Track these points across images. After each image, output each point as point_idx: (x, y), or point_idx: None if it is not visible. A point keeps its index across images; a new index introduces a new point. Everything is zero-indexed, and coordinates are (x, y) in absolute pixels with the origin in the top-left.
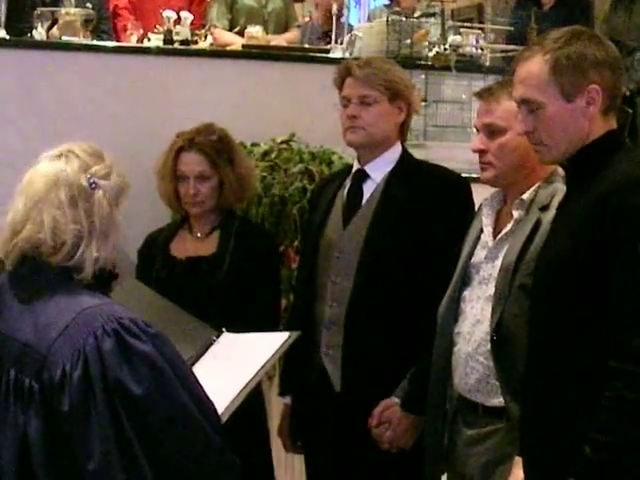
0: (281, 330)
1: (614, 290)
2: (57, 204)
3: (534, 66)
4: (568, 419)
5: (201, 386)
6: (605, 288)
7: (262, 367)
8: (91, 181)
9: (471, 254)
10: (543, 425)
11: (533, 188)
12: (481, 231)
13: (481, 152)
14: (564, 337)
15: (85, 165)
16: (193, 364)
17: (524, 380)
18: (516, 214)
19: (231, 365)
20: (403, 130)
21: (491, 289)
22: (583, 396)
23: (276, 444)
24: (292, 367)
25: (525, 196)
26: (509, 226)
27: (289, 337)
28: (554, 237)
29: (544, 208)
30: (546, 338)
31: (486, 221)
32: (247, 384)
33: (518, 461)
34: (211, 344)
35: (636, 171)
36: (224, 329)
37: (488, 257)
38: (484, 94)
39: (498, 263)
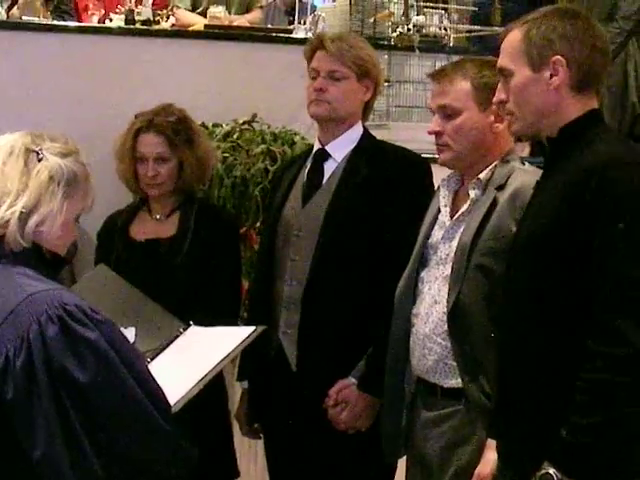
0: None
1: (595, 271)
2: None
3: (512, 36)
4: (544, 402)
5: (150, 374)
6: (584, 269)
7: (222, 360)
8: (39, 150)
9: (428, 235)
10: (519, 408)
11: (489, 168)
12: (439, 211)
13: (437, 134)
14: (541, 319)
15: (41, 140)
16: (157, 355)
17: (498, 362)
18: (472, 194)
19: (192, 357)
20: (366, 110)
21: (448, 269)
22: (560, 378)
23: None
24: (250, 351)
25: (481, 175)
26: (465, 206)
27: (254, 331)
28: (532, 216)
29: (500, 187)
30: (522, 319)
31: (443, 201)
32: (205, 376)
33: (490, 444)
34: (177, 336)
35: (616, 150)
36: (192, 322)
37: (445, 237)
38: (437, 75)
39: (455, 243)
